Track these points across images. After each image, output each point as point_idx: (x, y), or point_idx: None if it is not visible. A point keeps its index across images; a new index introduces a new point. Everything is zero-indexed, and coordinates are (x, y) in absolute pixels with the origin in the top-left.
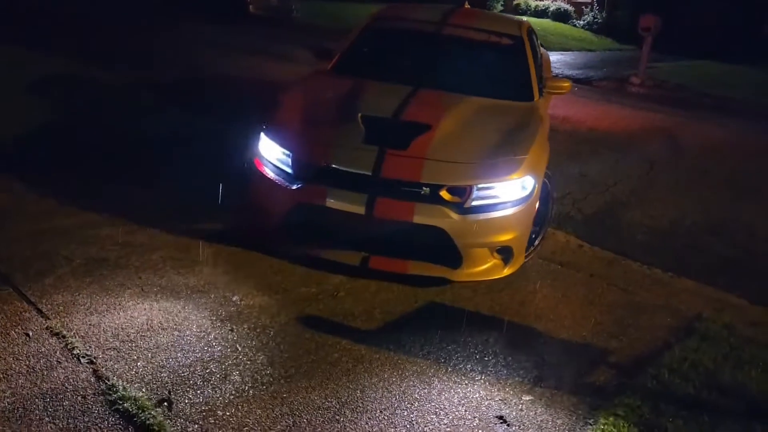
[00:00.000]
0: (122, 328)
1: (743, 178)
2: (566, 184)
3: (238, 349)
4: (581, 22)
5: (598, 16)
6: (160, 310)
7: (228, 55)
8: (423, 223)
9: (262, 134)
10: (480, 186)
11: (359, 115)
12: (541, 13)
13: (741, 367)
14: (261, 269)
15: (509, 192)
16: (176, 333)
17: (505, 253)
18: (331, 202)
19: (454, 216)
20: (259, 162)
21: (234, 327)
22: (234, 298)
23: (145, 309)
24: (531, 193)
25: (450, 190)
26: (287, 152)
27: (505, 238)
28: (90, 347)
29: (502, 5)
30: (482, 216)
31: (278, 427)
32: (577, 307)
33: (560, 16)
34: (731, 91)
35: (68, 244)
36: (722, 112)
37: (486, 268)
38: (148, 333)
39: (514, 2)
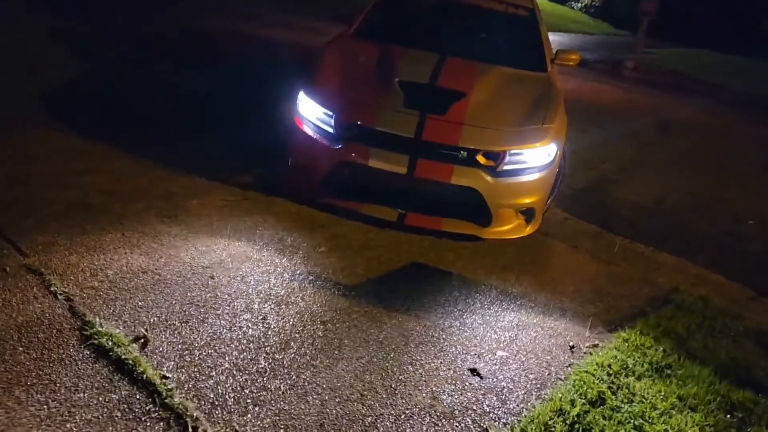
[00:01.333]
0: (101, 270)
1: (729, 162)
2: None
3: (217, 295)
4: (579, 5)
5: (596, 0)
6: (141, 254)
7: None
8: (459, 184)
9: (303, 94)
10: (512, 152)
11: (396, 80)
12: None
13: (712, 335)
14: (250, 223)
15: (536, 158)
16: (156, 277)
17: (528, 213)
18: (374, 162)
19: (488, 179)
20: (299, 121)
21: (214, 274)
22: (216, 248)
23: (126, 252)
24: (554, 159)
25: (485, 155)
26: (329, 113)
27: (530, 200)
28: (68, 285)
29: None
30: (512, 179)
31: (253, 368)
32: (558, 274)
33: None
34: (723, 79)
35: (52, 189)
36: (712, 98)
37: (511, 227)
38: (128, 275)
39: None
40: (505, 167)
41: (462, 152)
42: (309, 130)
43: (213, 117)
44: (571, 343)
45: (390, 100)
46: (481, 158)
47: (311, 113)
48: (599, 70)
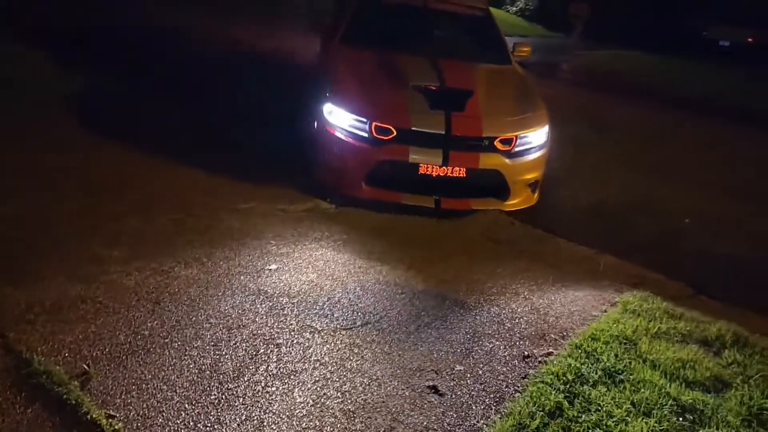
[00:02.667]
0: (37, 301)
1: (664, 161)
2: None
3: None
4: (514, 9)
5: (531, 3)
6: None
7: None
8: (485, 167)
9: (331, 105)
10: (521, 135)
11: (411, 85)
12: None
13: (659, 337)
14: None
15: (538, 138)
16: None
17: (533, 185)
18: (414, 158)
19: (506, 160)
20: (331, 129)
21: (159, 303)
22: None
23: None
24: (547, 139)
25: (501, 141)
26: (363, 119)
27: (535, 174)
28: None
29: None
30: (523, 158)
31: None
32: (507, 281)
33: (492, 1)
34: (659, 81)
35: None
36: (647, 99)
37: (522, 198)
38: (65, 307)
39: None
40: (517, 149)
41: (485, 141)
42: (343, 136)
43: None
44: (525, 353)
45: (416, 104)
46: (498, 144)
47: (343, 121)
48: (537, 72)
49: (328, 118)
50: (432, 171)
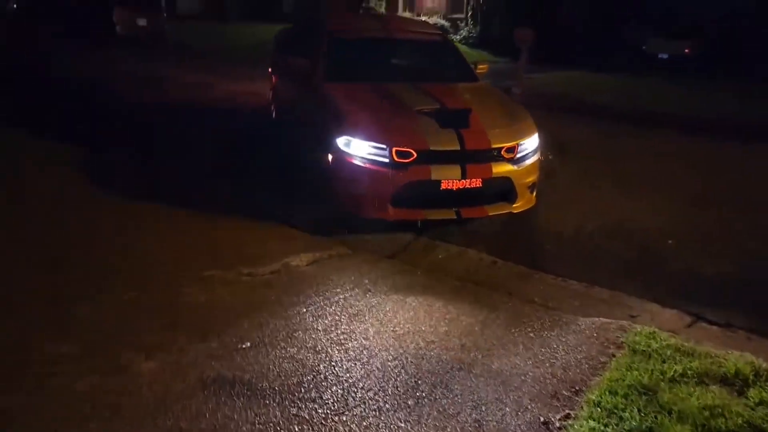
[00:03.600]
0: None
1: (628, 178)
2: None
3: None
4: (458, 37)
5: (473, 31)
6: None
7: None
8: (497, 176)
9: (347, 137)
10: (520, 143)
11: (415, 110)
12: None
13: (677, 381)
14: None
15: (531, 144)
16: None
17: (532, 188)
18: (435, 175)
19: (513, 167)
20: (349, 158)
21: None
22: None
23: None
24: (538, 144)
25: (506, 150)
26: (382, 146)
27: (533, 177)
28: None
29: None
30: (524, 163)
31: None
32: (502, 330)
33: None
34: (608, 98)
35: None
36: (600, 117)
37: (526, 200)
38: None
39: None
40: (518, 156)
41: (494, 151)
42: (363, 164)
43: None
44: (542, 419)
45: (427, 126)
46: (504, 153)
47: (361, 150)
48: None
49: (345, 149)
50: (453, 185)
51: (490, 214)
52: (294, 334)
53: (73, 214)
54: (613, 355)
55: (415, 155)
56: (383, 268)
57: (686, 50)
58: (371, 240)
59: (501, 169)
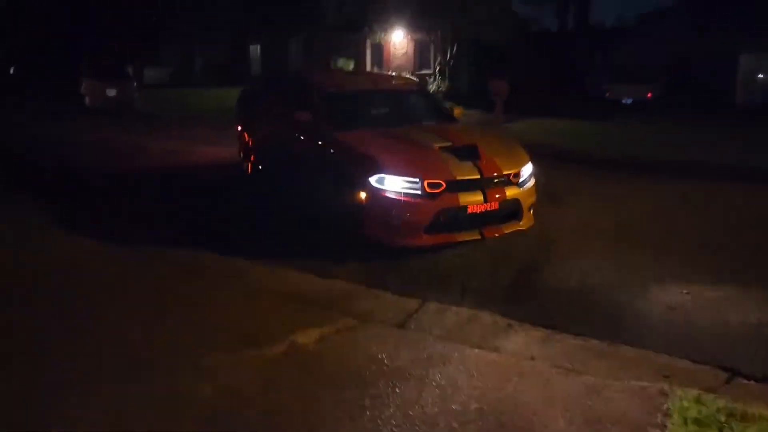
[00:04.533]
0: None
1: (627, 224)
2: (466, 255)
3: None
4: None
5: (442, 86)
6: None
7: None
8: (509, 198)
9: (381, 175)
10: (522, 169)
11: (434, 147)
12: None
13: None
14: None
15: (528, 170)
16: None
17: (531, 207)
18: (463, 201)
19: (519, 189)
20: (383, 193)
21: None
22: None
23: None
24: (532, 170)
25: (513, 175)
26: (414, 180)
27: (533, 198)
28: None
29: None
30: (526, 187)
31: None
32: (537, 403)
33: None
34: (583, 144)
35: None
36: (580, 162)
37: (528, 218)
38: None
39: None
40: (521, 180)
41: (506, 177)
42: (397, 196)
43: None
44: None
45: (449, 160)
46: (512, 178)
47: (395, 184)
48: None
49: (379, 185)
50: (477, 209)
51: (506, 231)
52: (315, 429)
53: (43, 294)
54: (664, 425)
55: (445, 185)
56: (396, 340)
57: (648, 94)
58: (376, 308)
59: (511, 192)
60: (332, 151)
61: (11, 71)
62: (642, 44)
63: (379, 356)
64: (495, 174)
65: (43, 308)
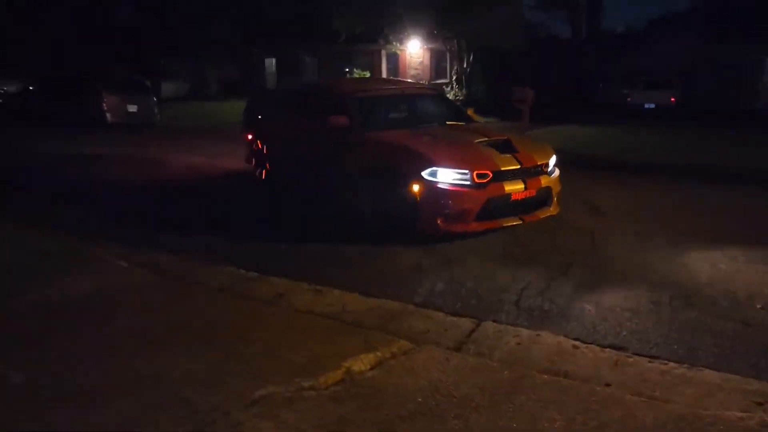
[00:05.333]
0: None
1: (682, 236)
2: (516, 270)
3: None
4: None
5: (459, 94)
6: None
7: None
8: (543, 186)
9: (434, 168)
10: (550, 161)
11: (475, 141)
12: None
13: None
14: None
15: (554, 161)
16: None
17: (557, 196)
18: (508, 189)
19: (550, 178)
20: (437, 185)
21: None
22: None
23: None
24: (556, 161)
25: (544, 165)
26: (465, 172)
27: (559, 187)
28: None
29: None
30: (554, 176)
31: None
32: None
33: None
34: (603, 150)
35: None
36: (614, 170)
37: (554, 205)
38: None
39: None
40: (550, 170)
41: (540, 167)
42: (449, 187)
43: None
44: None
45: (492, 153)
46: (543, 168)
47: (447, 177)
48: None
49: (432, 178)
50: (519, 196)
51: (541, 217)
52: None
53: (57, 323)
54: None
55: (491, 175)
56: (457, 366)
57: (672, 99)
58: (430, 330)
59: (545, 180)
60: (372, 150)
61: (31, 88)
62: (659, 49)
63: (443, 384)
64: (531, 164)
65: (69, 340)
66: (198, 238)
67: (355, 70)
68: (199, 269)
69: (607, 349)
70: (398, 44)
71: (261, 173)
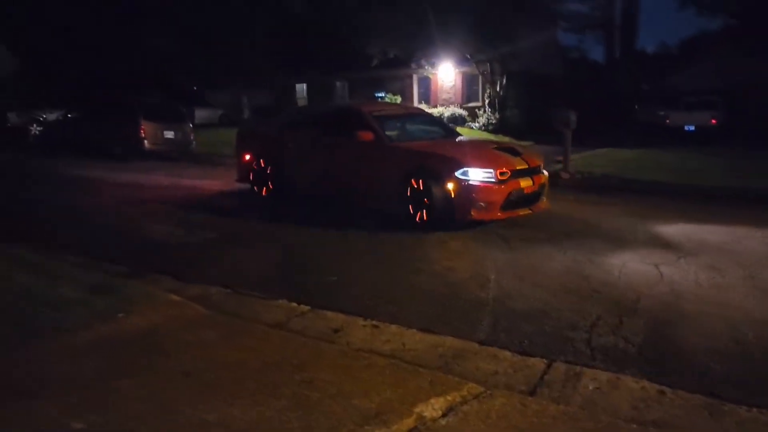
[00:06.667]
0: None
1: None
2: (579, 305)
3: None
4: (477, 125)
5: (492, 117)
6: None
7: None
8: (543, 182)
9: (465, 168)
10: (541, 163)
11: (491, 147)
12: None
13: None
14: None
15: (542, 164)
16: None
17: (546, 193)
18: (523, 185)
19: (544, 175)
20: (469, 182)
21: None
22: None
23: None
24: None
25: (541, 166)
26: (489, 170)
27: (547, 184)
28: None
29: None
30: (544, 174)
31: None
32: None
33: (455, 120)
34: (650, 175)
35: None
36: (662, 196)
37: (547, 198)
38: None
39: None
40: (542, 170)
41: (540, 167)
42: (478, 184)
43: None
44: None
45: (507, 155)
46: (541, 168)
47: (476, 176)
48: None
49: (464, 177)
50: (529, 190)
51: (542, 207)
52: None
53: (114, 363)
54: None
55: (510, 173)
56: (536, 413)
57: (712, 120)
58: (498, 370)
59: (544, 178)
60: (402, 158)
61: (70, 115)
62: (697, 69)
63: None
64: (534, 165)
65: (127, 384)
66: (245, 268)
67: (386, 95)
68: (251, 302)
69: (697, 395)
70: (430, 68)
71: (261, 190)
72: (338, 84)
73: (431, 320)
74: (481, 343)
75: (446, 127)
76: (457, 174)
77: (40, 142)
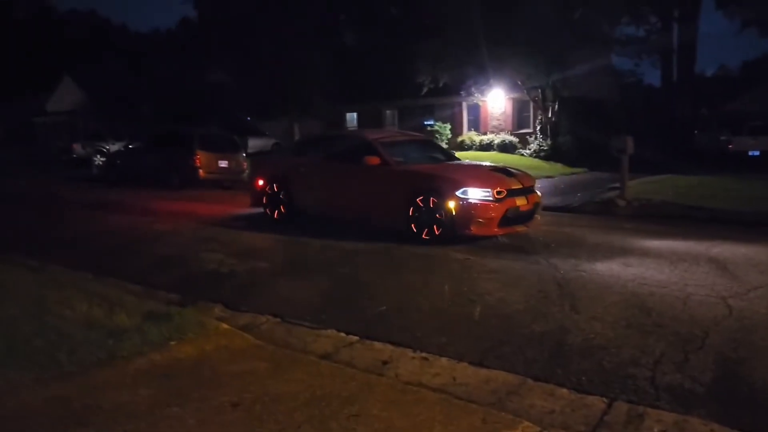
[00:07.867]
0: None
1: None
2: (644, 340)
3: None
4: (528, 151)
5: (544, 144)
6: None
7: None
8: (536, 201)
9: (465, 188)
10: (536, 183)
11: (487, 168)
12: (486, 146)
13: None
14: None
15: (534, 184)
16: None
17: (539, 211)
18: (518, 203)
19: (539, 195)
20: (468, 200)
21: None
22: None
23: None
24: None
25: (533, 186)
26: (487, 190)
27: (540, 203)
28: None
29: (446, 143)
30: (537, 194)
31: None
32: None
33: (505, 147)
34: (715, 202)
35: None
36: (727, 224)
37: (539, 217)
38: None
39: (458, 139)
40: (536, 190)
41: (532, 187)
42: (477, 202)
43: None
44: None
45: (503, 176)
46: (533, 188)
47: (475, 195)
48: (592, 213)
49: (464, 196)
50: (524, 208)
51: (534, 224)
52: None
53: (166, 393)
54: None
55: (506, 193)
56: None
57: None
58: (555, 409)
59: (536, 197)
60: (407, 180)
61: (131, 146)
62: (759, 93)
63: None
64: (528, 185)
65: (179, 414)
66: (295, 297)
67: (435, 123)
68: (299, 332)
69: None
70: (480, 95)
71: (274, 213)
72: (388, 112)
73: (483, 353)
74: (536, 378)
75: (446, 152)
76: (458, 193)
77: (103, 172)
